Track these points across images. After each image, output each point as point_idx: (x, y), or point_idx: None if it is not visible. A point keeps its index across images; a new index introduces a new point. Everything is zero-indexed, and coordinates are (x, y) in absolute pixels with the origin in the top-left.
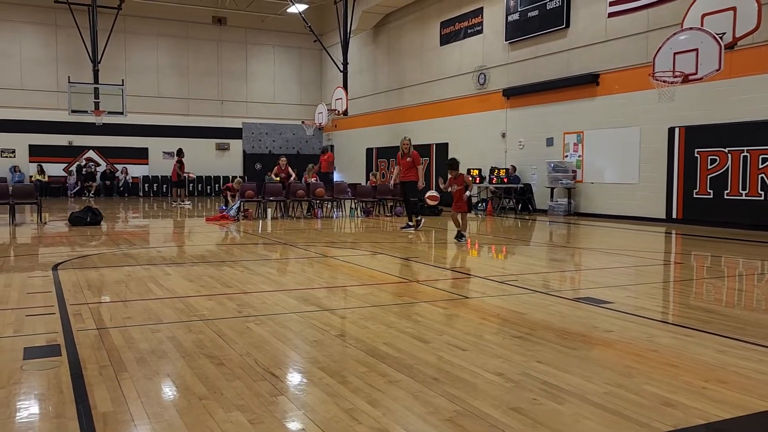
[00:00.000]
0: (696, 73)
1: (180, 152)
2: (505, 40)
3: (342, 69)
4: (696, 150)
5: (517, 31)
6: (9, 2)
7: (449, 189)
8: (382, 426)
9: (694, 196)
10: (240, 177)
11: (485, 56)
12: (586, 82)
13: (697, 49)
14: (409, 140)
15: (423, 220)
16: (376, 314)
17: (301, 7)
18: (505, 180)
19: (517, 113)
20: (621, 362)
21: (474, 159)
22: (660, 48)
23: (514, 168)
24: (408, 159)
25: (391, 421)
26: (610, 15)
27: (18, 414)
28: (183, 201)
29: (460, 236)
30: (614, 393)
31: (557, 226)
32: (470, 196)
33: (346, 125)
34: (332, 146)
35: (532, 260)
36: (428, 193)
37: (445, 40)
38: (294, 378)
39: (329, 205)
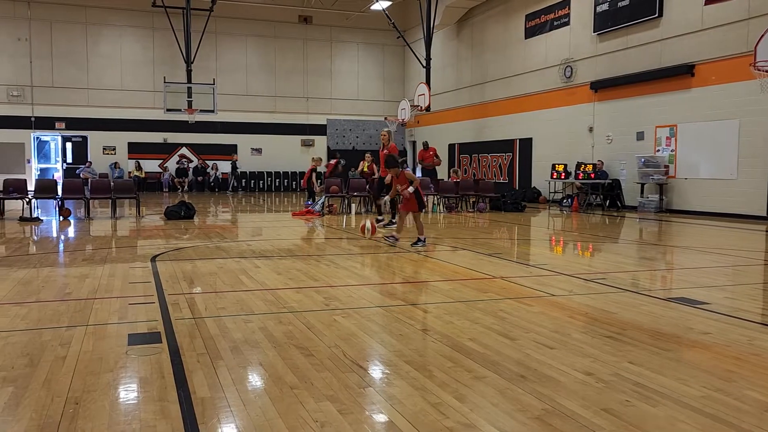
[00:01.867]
0: None
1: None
2: (594, 32)
3: (425, 65)
4: None
5: (607, 22)
6: (111, 8)
7: (399, 190)
8: (470, 421)
9: None
10: (339, 158)
11: (572, 48)
12: (680, 74)
13: None
14: (389, 132)
15: (384, 220)
16: (460, 310)
17: (384, 4)
18: (592, 175)
19: (606, 106)
20: (719, 366)
21: (559, 154)
22: (762, 36)
23: (602, 163)
24: (385, 152)
25: (478, 417)
26: (707, 2)
27: (125, 395)
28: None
29: (417, 242)
30: (712, 397)
31: (648, 223)
32: (417, 193)
33: (428, 121)
34: (426, 142)
35: (621, 258)
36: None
37: (530, 33)
38: (381, 371)
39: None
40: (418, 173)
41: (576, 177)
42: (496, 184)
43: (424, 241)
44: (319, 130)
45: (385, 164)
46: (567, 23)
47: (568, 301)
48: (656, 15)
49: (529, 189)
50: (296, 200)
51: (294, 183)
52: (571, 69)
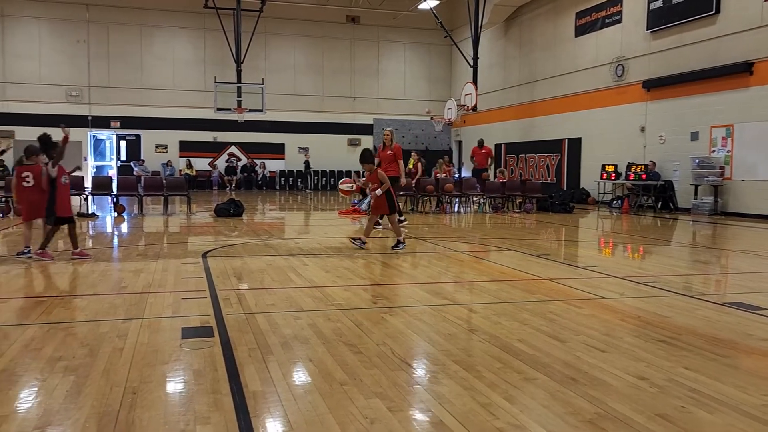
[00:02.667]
0: None
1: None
2: (647, 29)
3: (472, 64)
4: None
5: (660, 19)
6: (165, 9)
7: (367, 188)
8: (521, 423)
9: None
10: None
11: (624, 47)
12: (738, 72)
13: None
14: (391, 131)
15: (405, 220)
16: (508, 310)
17: (432, 3)
18: (644, 176)
19: (658, 106)
20: None
21: (609, 154)
22: None
23: (654, 164)
24: (389, 152)
25: (529, 419)
26: None
27: (179, 387)
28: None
29: (397, 244)
30: None
31: (702, 225)
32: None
33: (474, 121)
34: (481, 140)
35: (674, 261)
36: (343, 180)
37: (580, 31)
38: (429, 369)
39: (457, 201)
40: (465, 173)
41: (627, 178)
42: (544, 185)
43: (404, 243)
44: (365, 129)
45: (362, 159)
46: (619, 21)
47: (619, 304)
48: (713, 12)
49: (578, 190)
50: (342, 199)
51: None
52: (623, 67)
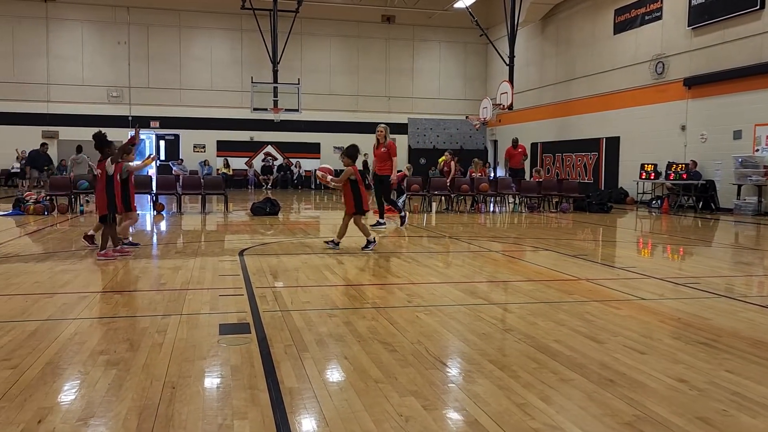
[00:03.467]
0: None
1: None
2: (688, 26)
3: (508, 62)
4: None
5: (702, 15)
6: (203, 11)
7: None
8: (557, 424)
9: None
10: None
11: (664, 44)
12: None
13: None
14: (385, 128)
15: (406, 216)
16: (544, 311)
17: (468, 2)
18: (684, 176)
19: (700, 104)
20: None
21: (648, 154)
22: None
23: (695, 163)
24: (383, 149)
25: (566, 420)
26: None
27: (217, 382)
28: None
29: (367, 245)
30: None
31: (744, 226)
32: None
33: (510, 120)
34: (515, 139)
35: (716, 262)
36: (321, 167)
37: (619, 28)
38: (464, 369)
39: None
40: (500, 172)
41: (667, 177)
42: (581, 184)
43: (374, 242)
44: (400, 129)
45: (347, 154)
46: (659, 17)
47: (658, 305)
48: (757, 7)
49: (616, 189)
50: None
51: None
52: (663, 65)
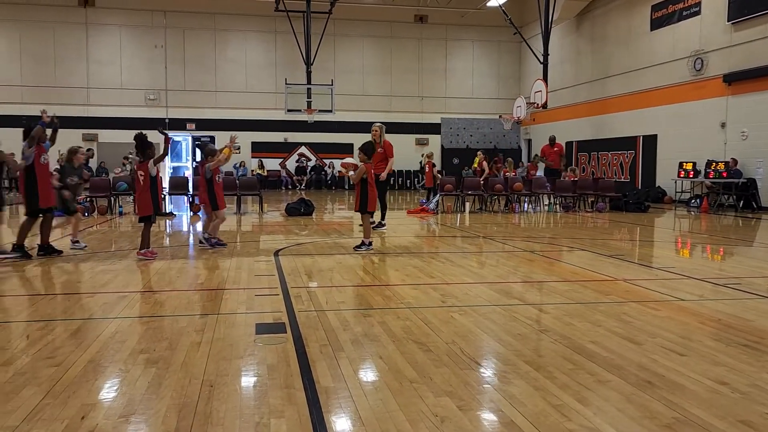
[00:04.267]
0: None
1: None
2: (728, 21)
3: (542, 61)
4: None
5: (743, 10)
6: (237, 14)
7: (348, 173)
8: (594, 426)
9: None
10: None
11: (702, 39)
12: None
13: None
14: (381, 127)
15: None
16: (580, 311)
17: (501, 0)
18: (725, 174)
19: (740, 100)
20: None
21: (687, 152)
22: None
23: (735, 161)
24: (380, 149)
25: (603, 422)
26: None
27: (254, 381)
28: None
29: (360, 245)
30: None
31: None
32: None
33: (544, 118)
34: (552, 137)
35: (757, 262)
36: (344, 161)
37: (656, 24)
38: (500, 369)
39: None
40: (540, 172)
41: (706, 176)
42: (617, 183)
43: (369, 245)
44: (433, 128)
45: (362, 146)
46: (697, 12)
47: (698, 306)
48: None
49: (653, 188)
50: (410, 198)
51: (408, 181)
52: (702, 61)
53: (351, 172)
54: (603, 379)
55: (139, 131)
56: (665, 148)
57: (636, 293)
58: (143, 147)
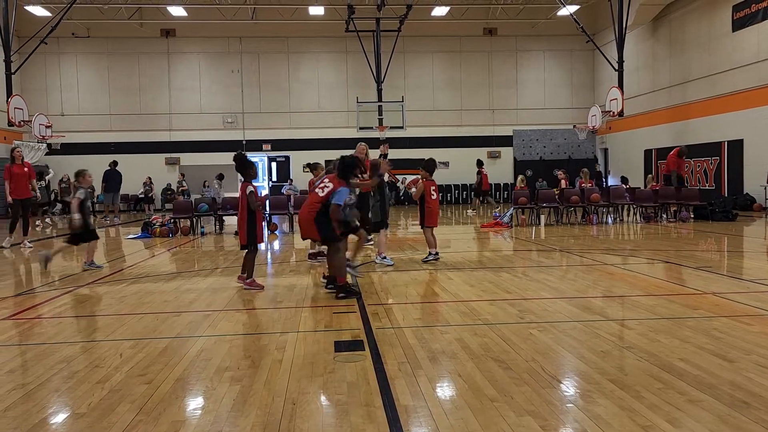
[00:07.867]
0: None
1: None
2: None
3: (617, 68)
4: None
5: None
6: (310, 36)
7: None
8: None
9: None
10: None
11: None
12: None
13: None
14: (366, 146)
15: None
16: (667, 327)
17: (572, 9)
18: None
19: None
20: None
21: None
22: None
23: None
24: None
25: None
26: None
27: (335, 399)
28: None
29: (426, 258)
30: None
31: None
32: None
33: (621, 127)
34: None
35: None
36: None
37: (738, 24)
38: (583, 388)
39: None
40: (613, 181)
41: None
42: (702, 191)
43: (435, 255)
44: (505, 141)
45: (426, 164)
46: None
47: None
48: None
49: (741, 196)
50: (484, 212)
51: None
52: None
53: (413, 189)
54: (694, 398)
55: (238, 151)
56: (752, 153)
57: (726, 307)
58: (244, 167)
